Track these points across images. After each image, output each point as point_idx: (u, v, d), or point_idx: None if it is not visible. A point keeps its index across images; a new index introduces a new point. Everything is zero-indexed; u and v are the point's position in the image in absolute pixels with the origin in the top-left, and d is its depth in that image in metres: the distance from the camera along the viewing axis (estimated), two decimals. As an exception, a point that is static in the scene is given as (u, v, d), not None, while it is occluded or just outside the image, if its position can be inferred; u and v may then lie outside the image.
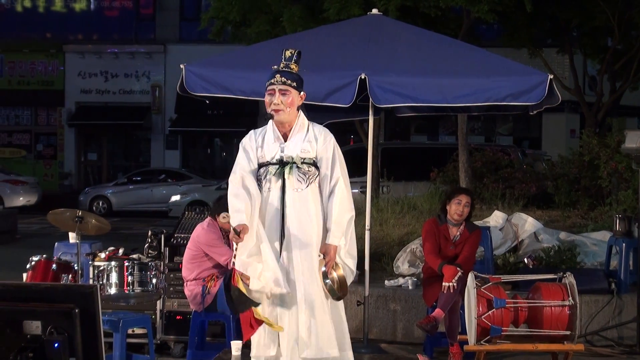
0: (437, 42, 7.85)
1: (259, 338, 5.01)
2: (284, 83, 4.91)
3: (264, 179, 4.93)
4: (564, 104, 21.11)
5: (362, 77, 6.64)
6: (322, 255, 4.89)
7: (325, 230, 4.95)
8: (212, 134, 28.82)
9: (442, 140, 25.93)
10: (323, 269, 4.88)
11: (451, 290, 6.51)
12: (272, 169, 4.91)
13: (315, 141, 4.93)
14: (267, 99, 4.96)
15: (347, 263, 5.05)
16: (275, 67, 5.03)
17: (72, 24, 29.04)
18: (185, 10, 28.89)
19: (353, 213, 4.99)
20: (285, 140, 4.96)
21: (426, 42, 7.73)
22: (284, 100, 4.88)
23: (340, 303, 5.08)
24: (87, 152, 29.84)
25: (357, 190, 14.40)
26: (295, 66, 5.03)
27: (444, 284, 6.55)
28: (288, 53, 5.05)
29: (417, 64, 7.10)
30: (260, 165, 4.96)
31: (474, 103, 7.02)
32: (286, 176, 4.88)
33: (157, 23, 28.95)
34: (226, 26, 16.30)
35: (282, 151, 4.93)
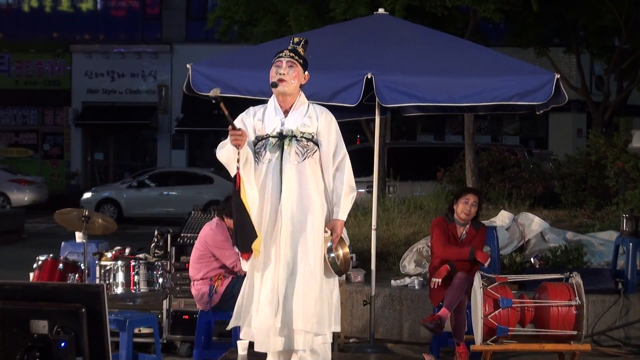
0: (443, 41, 7.84)
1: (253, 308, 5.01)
2: (292, 57, 5.00)
3: (263, 150, 4.97)
4: (570, 104, 21.08)
5: (369, 76, 6.64)
6: (329, 232, 4.92)
7: (325, 203, 4.97)
8: (219, 133, 28.77)
9: (448, 140, 25.90)
10: (329, 244, 4.91)
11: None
12: (272, 140, 4.96)
13: (316, 118, 4.99)
14: (272, 70, 5.01)
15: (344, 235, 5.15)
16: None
17: (79, 24, 29.07)
18: (192, 10, 28.91)
19: (355, 192, 5.05)
20: (286, 116, 5.01)
21: (432, 41, 7.73)
22: (290, 72, 4.95)
23: (334, 279, 5.07)
24: (94, 152, 29.86)
25: (363, 190, 14.40)
26: (303, 50, 5.12)
27: (484, 263, 6.75)
28: (296, 39, 5.18)
29: (423, 64, 7.10)
30: (260, 139, 5.01)
31: (481, 102, 7.01)
32: (285, 148, 4.93)
33: (164, 23, 28.97)
34: (232, 26, 16.32)
35: (282, 125, 4.98)
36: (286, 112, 5.03)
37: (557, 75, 6.73)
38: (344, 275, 7.36)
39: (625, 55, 18.13)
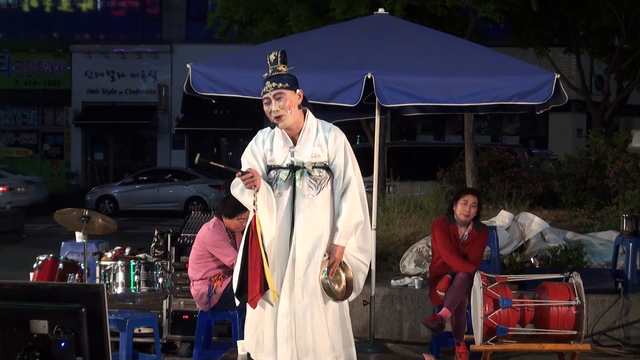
0: (443, 41, 7.84)
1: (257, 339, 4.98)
2: (275, 88, 4.80)
3: (274, 183, 4.86)
4: (570, 104, 21.12)
5: (369, 76, 6.64)
6: (327, 255, 4.84)
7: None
8: (219, 133, 28.82)
9: (448, 140, 25.91)
10: (325, 268, 4.80)
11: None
12: (283, 174, 4.84)
13: (326, 144, 4.84)
14: (265, 109, 4.87)
15: (358, 257, 4.97)
16: (265, 74, 4.93)
17: (79, 24, 29.08)
18: (192, 10, 28.91)
19: (362, 218, 4.88)
20: (295, 144, 4.88)
21: (432, 41, 7.72)
22: (281, 105, 4.78)
23: (344, 302, 5.03)
24: (94, 152, 29.87)
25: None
26: (283, 67, 4.90)
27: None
28: (272, 57, 4.91)
29: (423, 64, 7.10)
30: (271, 168, 4.90)
31: (481, 102, 7.00)
32: (297, 182, 4.81)
33: (164, 23, 28.98)
34: (232, 26, 16.33)
35: (292, 155, 4.85)
36: (294, 139, 4.88)
37: (557, 75, 6.73)
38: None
39: (625, 55, 18.13)
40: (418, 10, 13.48)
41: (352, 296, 5.00)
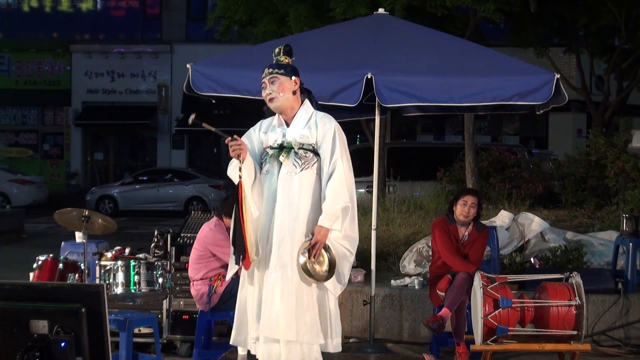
0: (443, 41, 7.84)
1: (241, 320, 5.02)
2: (270, 73, 5.00)
3: (264, 161, 5.00)
4: (570, 104, 21.11)
5: (369, 76, 6.64)
6: (310, 236, 4.85)
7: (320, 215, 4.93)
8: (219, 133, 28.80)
9: (448, 140, 25.91)
10: (305, 250, 4.78)
11: None
12: (271, 152, 4.99)
13: (316, 128, 4.96)
14: (263, 95, 5.06)
15: (344, 245, 4.95)
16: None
17: (79, 24, 29.09)
18: (192, 10, 28.92)
19: (349, 204, 4.88)
20: (288, 126, 5.02)
21: (432, 41, 7.72)
22: (274, 88, 4.96)
23: (329, 292, 4.97)
24: (94, 152, 29.88)
25: (363, 190, 14.42)
26: (285, 58, 5.08)
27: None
28: (277, 50, 5.13)
29: (423, 64, 7.10)
30: (264, 150, 5.05)
31: (481, 102, 7.00)
32: (282, 159, 4.93)
33: (164, 23, 28.99)
34: (232, 26, 16.31)
35: (283, 136, 4.99)
36: (288, 123, 5.03)
37: (557, 75, 6.73)
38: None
39: (625, 55, 18.12)
40: (418, 10, 13.47)
41: (339, 289, 4.94)
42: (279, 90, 4.95)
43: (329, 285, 4.90)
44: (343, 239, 4.94)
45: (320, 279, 4.84)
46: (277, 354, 4.82)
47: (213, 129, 4.96)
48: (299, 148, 4.92)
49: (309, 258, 4.78)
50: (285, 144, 4.96)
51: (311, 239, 4.83)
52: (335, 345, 4.98)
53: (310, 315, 4.84)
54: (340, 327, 5.02)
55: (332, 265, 4.87)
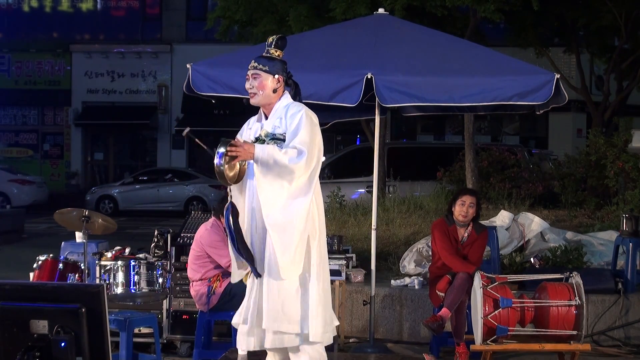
0: (443, 41, 7.84)
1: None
2: (255, 68, 4.98)
3: None
4: (570, 104, 21.09)
5: (369, 76, 6.64)
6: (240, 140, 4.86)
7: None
8: (219, 133, 28.75)
9: (448, 140, 25.88)
10: (223, 147, 4.75)
11: None
12: None
13: (285, 117, 4.92)
14: (246, 85, 5.06)
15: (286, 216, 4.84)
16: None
17: (79, 24, 29.08)
18: (192, 10, 28.92)
19: (302, 172, 4.74)
20: (267, 119, 5.04)
21: (432, 41, 7.72)
22: (254, 85, 4.96)
23: (310, 280, 4.87)
24: (94, 152, 29.86)
25: (363, 190, 14.43)
26: (275, 50, 5.03)
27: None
28: (270, 39, 5.10)
29: (423, 64, 7.10)
30: None
31: (481, 102, 7.01)
32: None
33: (164, 23, 28.98)
34: (232, 26, 16.32)
35: (261, 129, 5.00)
36: (267, 117, 5.03)
37: (557, 75, 6.73)
38: (344, 275, 7.38)
39: (625, 55, 18.12)
40: (418, 10, 13.48)
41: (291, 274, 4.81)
42: (259, 87, 4.94)
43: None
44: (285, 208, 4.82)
45: (229, 181, 4.85)
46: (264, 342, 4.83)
47: (205, 147, 4.98)
48: (271, 139, 4.88)
49: (225, 159, 4.75)
50: (260, 137, 4.95)
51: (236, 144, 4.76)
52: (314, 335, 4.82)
53: (290, 304, 4.78)
54: (329, 317, 4.92)
55: (242, 175, 4.93)
